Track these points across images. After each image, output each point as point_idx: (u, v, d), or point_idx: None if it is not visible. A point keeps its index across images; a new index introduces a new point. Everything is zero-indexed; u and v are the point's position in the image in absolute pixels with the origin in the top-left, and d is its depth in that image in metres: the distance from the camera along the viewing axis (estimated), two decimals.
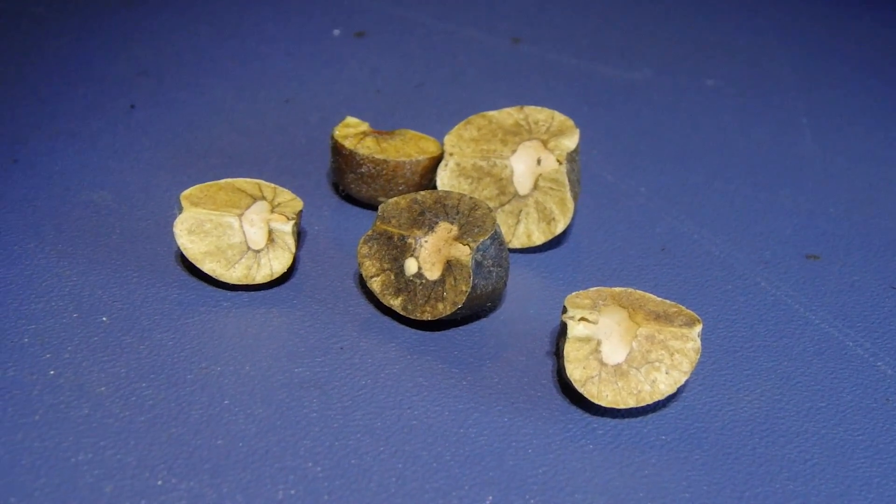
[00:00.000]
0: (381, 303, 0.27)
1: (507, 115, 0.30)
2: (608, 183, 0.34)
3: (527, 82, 0.40)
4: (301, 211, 0.27)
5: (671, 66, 0.43)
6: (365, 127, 0.31)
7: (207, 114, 0.36)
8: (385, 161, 0.29)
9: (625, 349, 0.24)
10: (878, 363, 0.27)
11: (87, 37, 0.41)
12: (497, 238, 0.26)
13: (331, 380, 0.25)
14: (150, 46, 0.40)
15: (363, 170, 0.29)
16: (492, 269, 0.26)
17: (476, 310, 0.26)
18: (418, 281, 0.26)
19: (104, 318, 0.26)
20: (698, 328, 0.24)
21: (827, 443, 0.24)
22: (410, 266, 0.26)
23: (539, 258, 0.29)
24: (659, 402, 0.25)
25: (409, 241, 0.26)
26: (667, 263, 0.30)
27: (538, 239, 0.29)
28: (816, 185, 0.35)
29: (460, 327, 0.27)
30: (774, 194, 0.34)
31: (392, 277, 0.26)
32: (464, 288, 0.25)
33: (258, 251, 0.27)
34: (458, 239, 0.26)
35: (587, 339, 0.24)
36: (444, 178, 0.30)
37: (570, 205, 0.28)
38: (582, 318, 0.24)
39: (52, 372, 0.24)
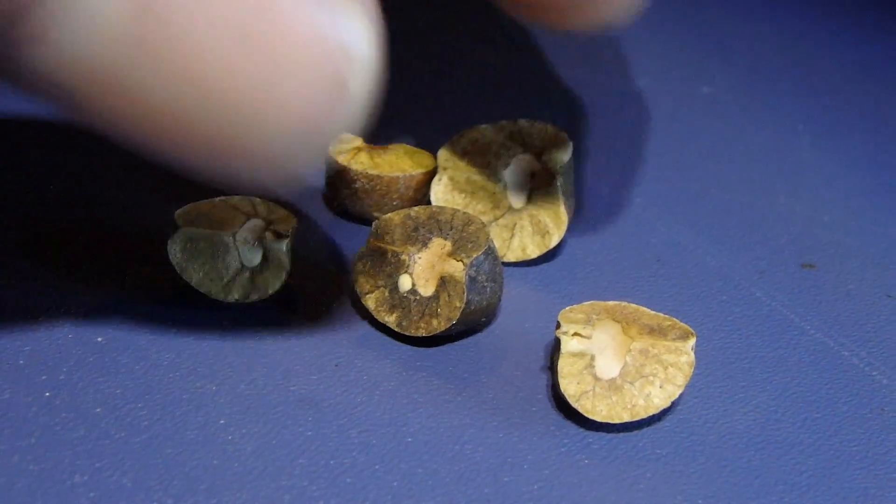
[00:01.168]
0: (375, 319, 0.27)
1: (501, 129, 0.30)
2: (603, 194, 0.34)
3: (521, 92, 0.40)
4: (296, 227, 0.27)
5: (666, 74, 0.43)
6: (359, 142, 0.31)
7: None
8: (379, 177, 0.29)
9: (619, 364, 0.24)
10: (874, 373, 0.27)
11: None
12: (491, 253, 0.26)
13: (326, 397, 0.25)
14: None
15: (357, 185, 0.29)
16: (486, 284, 0.26)
17: (471, 325, 0.26)
18: (412, 297, 0.26)
19: (99, 339, 0.26)
20: (692, 342, 0.24)
21: (822, 454, 0.24)
22: (404, 282, 0.26)
23: (534, 272, 0.30)
24: (654, 415, 0.25)
25: (403, 257, 0.26)
26: (662, 275, 0.30)
27: (533, 252, 0.29)
28: (813, 193, 0.35)
29: (455, 343, 0.27)
30: (770, 203, 0.34)
31: (386, 294, 0.26)
32: (458, 304, 0.25)
33: (253, 269, 0.27)
34: (451, 255, 0.26)
35: (581, 355, 0.24)
36: (438, 193, 0.30)
37: (565, 218, 0.28)
38: (575, 334, 0.25)
39: (47, 394, 0.24)
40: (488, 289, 0.26)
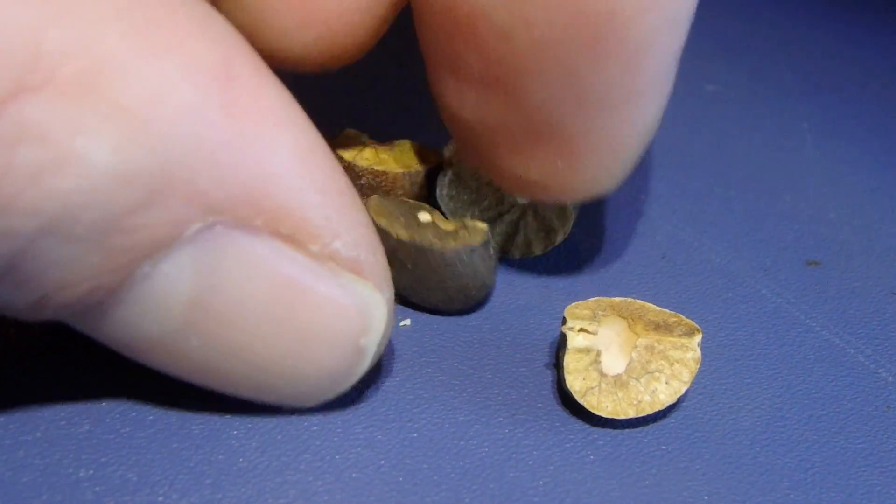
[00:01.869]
0: None
1: None
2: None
3: None
4: None
5: None
6: (364, 138, 0.31)
7: None
8: (384, 172, 0.29)
9: (625, 360, 0.24)
10: (880, 370, 0.27)
11: None
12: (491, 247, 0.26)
13: None
14: None
15: (363, 181, 0.29)
16: (488, 260, 0.26)
17: (460, 290, 0.26)
18: (431, 226, 0.26)
19: None
20: (698, 338, 0.24)
21: (828, 451, 0.24)
22: (424, 216, 0.26)
23: (539, 268, 0.29)
24: (659, 412, 0.25)
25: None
26: (667, 272, 0.30)
27: (538, 249, 0.29)
28: (817, 190, 0.35)
29: (460, 338, 0.27)
30: (775, 200, 0.34)
31: (402, 220, 0.26)
32: (479, 238, 0.25)
33: None
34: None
35: (587, 350, 0.24)
36: (444, 189, 0.30)
37: (570, 214, 0.28)
38: (581, 329, 0.24)
39: (52, 388, 0.24)
40: (484, 268, 0.26)
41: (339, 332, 0.21)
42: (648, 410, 0.24)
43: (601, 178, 0.25)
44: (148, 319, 0.20)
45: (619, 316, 0.25)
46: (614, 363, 0.24)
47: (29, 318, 0.20)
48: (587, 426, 0.24)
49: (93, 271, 0.19)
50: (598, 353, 0.24)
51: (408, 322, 0.27)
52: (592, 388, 0.24)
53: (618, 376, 0.24)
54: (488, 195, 0.29)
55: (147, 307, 0.20)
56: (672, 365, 0.24)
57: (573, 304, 0.25)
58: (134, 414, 0.24)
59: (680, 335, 0.24)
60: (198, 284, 0.20)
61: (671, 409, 0.25)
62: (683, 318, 0.25)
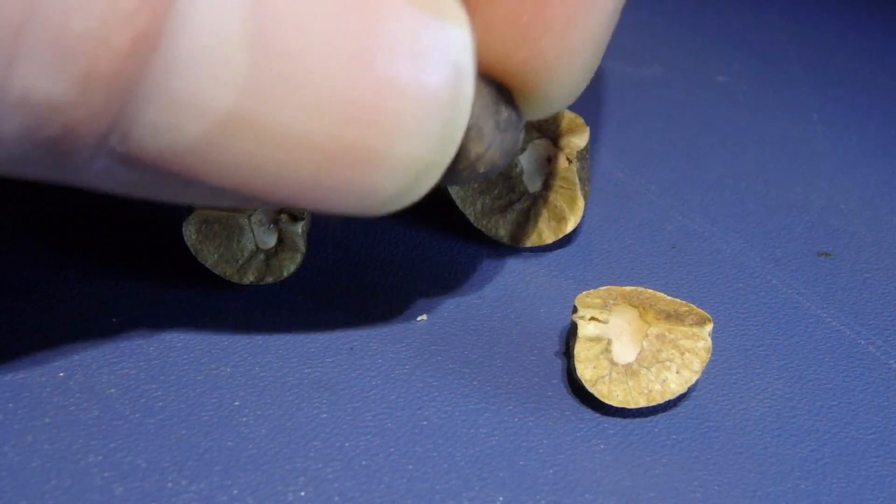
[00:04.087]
0: (388, 303, 0.27)
1: None
2: (618, 180, 0.34)
3: None
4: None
5: (682, 63, 0.43)
6: None
7: None
8: None
9: (635, 348, 0.24)
10: (891, 361, 0.27)
11: None
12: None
13: (340, 381, 0.25)
14: None
15: None
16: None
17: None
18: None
19: (114, 319, 0.26)
20: (709, 327, 0.24)
21: (838, 442, 0.24)
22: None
23: (549, 257, 0.29)
24: (670, 401, 0.25)
25: None
26: (677, 261, 0.30)
27: (548, 238, 0.29)
28: (828, 181, 0.35)
29: (471, 327, 0.27)
30: (786, 191, 0.34)
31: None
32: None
33: (268, 251, 0.27)
34: None
35: (598, 339, 0.24)
36: None
37: (581, 203, 0.28)
38: (592, 318, 0.24)
39: (62, 374, 0.24)
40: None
41: (426, 114, 0.18)
42: (659, 399, 0.24)
43: None
44: (205, 73, 0.16)
45: (630, 305, 0.25)
46: (625, 352, 0.24)
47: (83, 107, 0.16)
48: (597, 415, 0.24)
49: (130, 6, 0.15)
50: (609, 342, 0.24)
51: (425, 317, 0.27)
52: (603, 376, 0.24)
53: (628, 365, 0.24)
54: (499, 184, 0.29)
55: (199, 54, 0.16)
56: (683, 354, 0.24)
57: (584, 292, 0.25)
58: (143, 400, 0.24)
59: (691, 324, 0.24)
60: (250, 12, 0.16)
61: (682, 398, 0.25)
62: (694, 307, 0.25)
